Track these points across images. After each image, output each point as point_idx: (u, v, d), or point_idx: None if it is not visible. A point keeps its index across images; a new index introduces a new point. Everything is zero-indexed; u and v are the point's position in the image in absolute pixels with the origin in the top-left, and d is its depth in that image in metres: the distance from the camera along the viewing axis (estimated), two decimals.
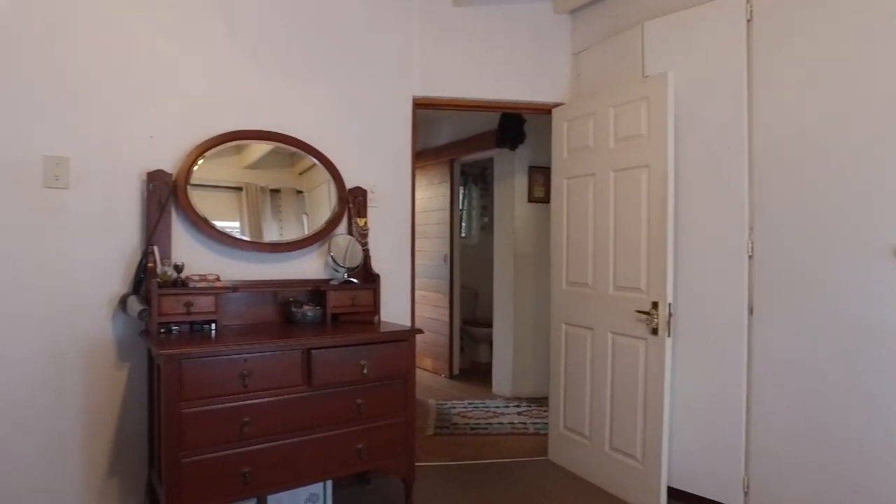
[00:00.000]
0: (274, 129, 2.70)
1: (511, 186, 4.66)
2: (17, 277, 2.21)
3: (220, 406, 2.04)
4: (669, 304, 2.55)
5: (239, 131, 2.62)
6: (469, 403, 4.36)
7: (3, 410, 2.19)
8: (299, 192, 2.81)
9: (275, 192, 2.75)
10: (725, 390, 2.48)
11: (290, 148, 2.73)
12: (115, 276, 2.38)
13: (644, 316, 2.63)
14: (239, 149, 2.63)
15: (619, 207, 2.82)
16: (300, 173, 2.81)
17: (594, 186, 2.97)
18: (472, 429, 3.78)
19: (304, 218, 2.78)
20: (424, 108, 3.21)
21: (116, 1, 2.38)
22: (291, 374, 2.18)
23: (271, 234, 2.67)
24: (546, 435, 3.41)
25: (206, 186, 2.51)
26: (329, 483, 2.59)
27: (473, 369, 5.46)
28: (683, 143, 2.61)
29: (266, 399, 2.13)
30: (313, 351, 2.21)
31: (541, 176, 4.62)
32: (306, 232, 2.74)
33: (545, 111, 3.35)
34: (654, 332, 2.59)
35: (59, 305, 2.28)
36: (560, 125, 3.23)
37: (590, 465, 2.96)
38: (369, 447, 2.36)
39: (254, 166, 2.69)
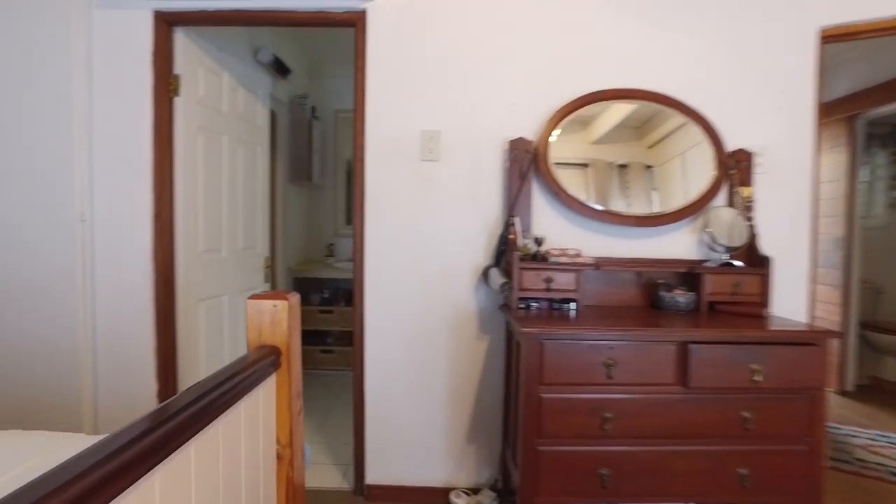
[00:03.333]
0: (637, 87, 2.36)
1: None
2: (399, 243, 2.39)
3: (580, 395, 1.83)
4: None
5: (600, 91, 2.35)
6: (880, 435, 3.30)
7: (389, 362, 2.41)
8: (648, 166, 2.42)
9: (621, 167, 2.42)
10: None
11: (655, 106, 2.34)
12: (477, 246, 2.39)
13: None
14: (585, 123, 2.38)
15: None
16: (649, 147, 2.41)
17: None
18: (892, 473, 2.81)
19: (653, 195, 2.38)
20: (837, 42, 2.42)
21: None
22: (663, 370, 1.83)
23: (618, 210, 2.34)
24: None
25: (556, 164, 2.33)
26: None
27: (875, 387, 4.20)
28: None
29: (632, 395, 1.83)
30: (691, 345, 1.81)
31: None
32: (654, 210, 2.33)
33: None
34: None
35: (430, 271, 2.39)
36: None
37: None
38: (755, 474, 1.86)
39: (600, 141, 2.40)
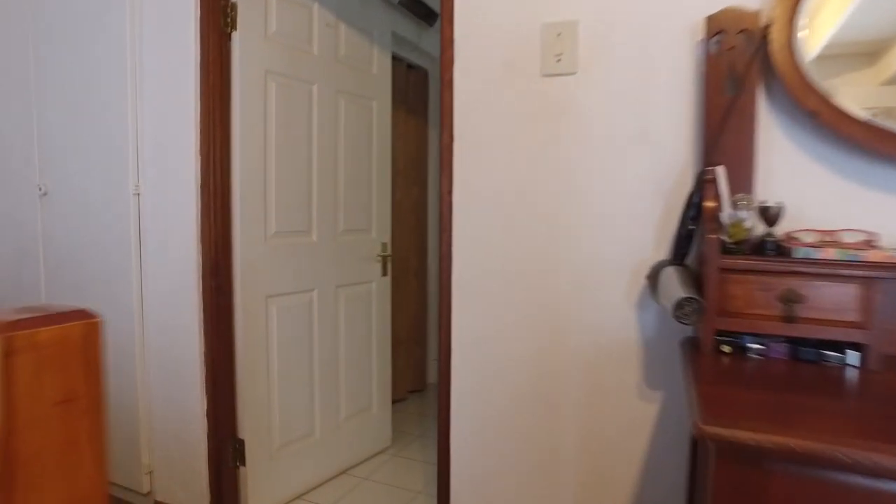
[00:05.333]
0: None
1: None
2: (505, 217, 1.42)
3: None
4: None
5: None
6: None
7: (484, 423, 1.47)
8: None
9: None
10: None
11: None
12: (642, 226, 1.30)
13: None
14: (872, 56, 1.10)
15: None
16: None
17: None
18: None
19: None
20: None
21: None
22: None
23: None
24: None
25: None
26: None
27: None
28: None
29: None
30: None
31: None
32: None
33: None
34: None
35: (556, 272, 1.38)
36: None
37: None
38: None
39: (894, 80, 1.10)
